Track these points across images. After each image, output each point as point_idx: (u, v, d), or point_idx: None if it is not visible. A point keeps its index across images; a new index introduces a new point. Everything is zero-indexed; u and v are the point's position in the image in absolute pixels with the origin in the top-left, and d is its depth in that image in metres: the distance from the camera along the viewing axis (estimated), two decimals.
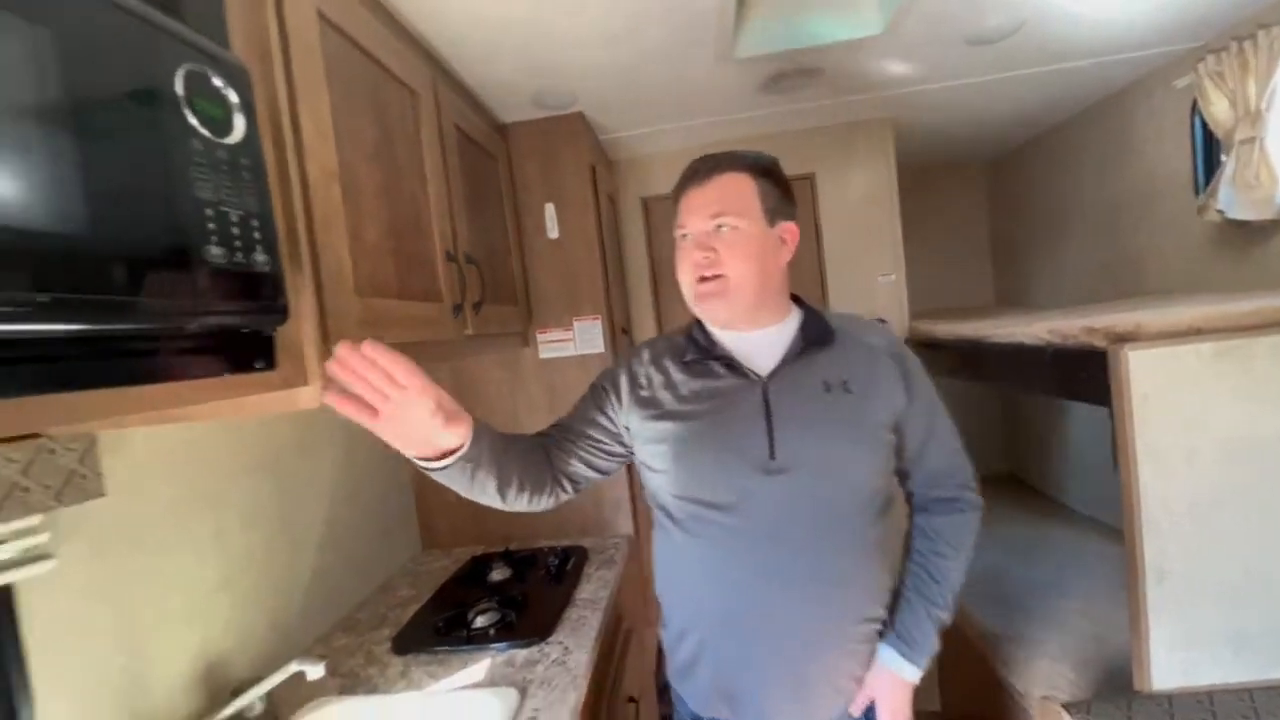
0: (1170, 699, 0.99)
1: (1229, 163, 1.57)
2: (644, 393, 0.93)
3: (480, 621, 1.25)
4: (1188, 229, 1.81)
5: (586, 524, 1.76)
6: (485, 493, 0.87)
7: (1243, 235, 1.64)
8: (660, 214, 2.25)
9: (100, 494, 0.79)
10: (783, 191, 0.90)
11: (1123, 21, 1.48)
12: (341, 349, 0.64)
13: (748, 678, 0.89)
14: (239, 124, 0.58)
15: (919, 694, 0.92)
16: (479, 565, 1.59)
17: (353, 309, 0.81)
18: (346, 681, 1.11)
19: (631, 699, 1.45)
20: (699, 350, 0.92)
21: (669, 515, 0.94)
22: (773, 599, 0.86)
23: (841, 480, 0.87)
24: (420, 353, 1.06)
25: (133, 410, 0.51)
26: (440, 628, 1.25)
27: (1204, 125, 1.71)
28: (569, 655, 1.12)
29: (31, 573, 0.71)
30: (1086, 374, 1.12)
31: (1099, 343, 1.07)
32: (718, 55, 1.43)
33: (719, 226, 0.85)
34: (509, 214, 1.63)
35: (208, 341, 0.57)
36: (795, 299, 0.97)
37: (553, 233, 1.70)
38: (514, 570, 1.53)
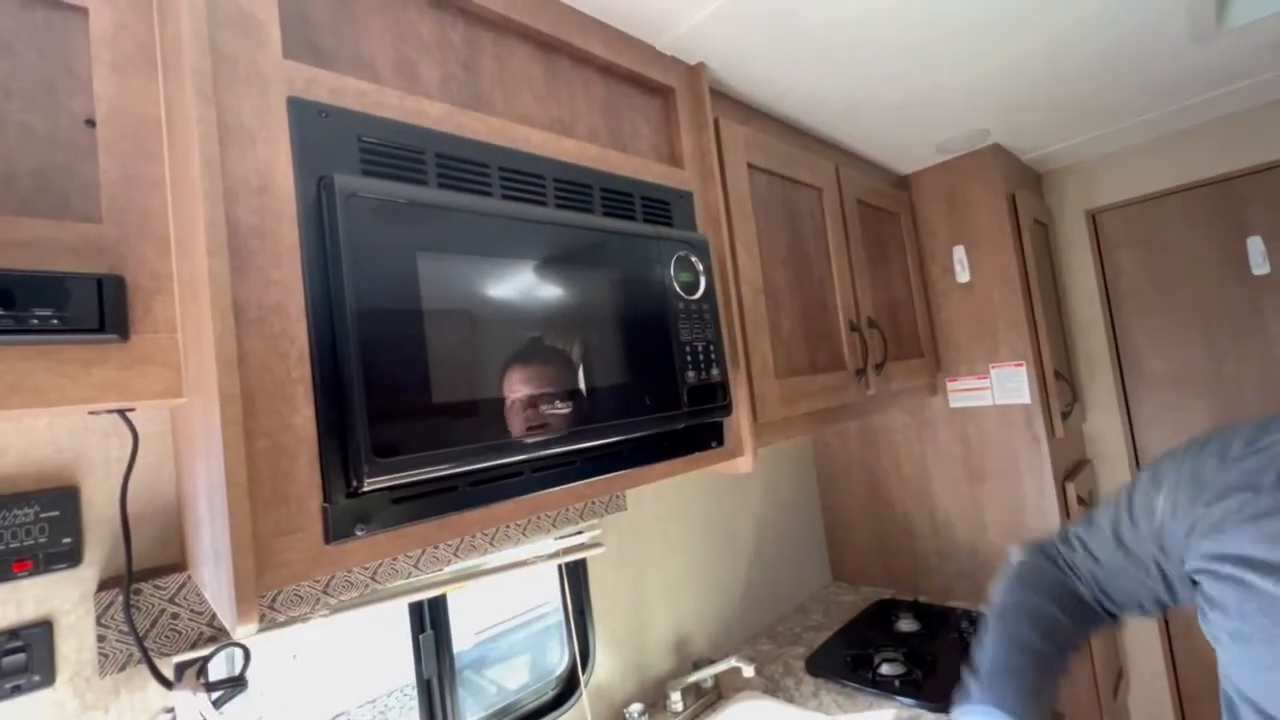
0: None
1: None
2: (1209, 512, 0.58)
3: (886, 670, 1.30)
4: None
5: None
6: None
7: None
8: (1114, 226, 1.83)
9: (623, 509, 1.23)
10: None
11: None
12: None
13: None
14: (703, 282, 0.86)
15: None
16: (885, 609, 1.63)
17: (773, 391, 1.03)
18: (769, 684, 1.34)
19: None
20: None
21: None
22: None
23: None
24: (829, 417, 1.22)
25: (647, 480, 0.82)
26: (848, 662, 1.36)
27: None
28: None
29: (594, 553, 1.17)
30: None
31: None
32: (1195, 36, 1.13)
33: None
34: (912, 265, 1.64)
35: (684, 433, 0.85)
36: None
37: (963, 276, 1.62)
38: (922, 624, 1.52)
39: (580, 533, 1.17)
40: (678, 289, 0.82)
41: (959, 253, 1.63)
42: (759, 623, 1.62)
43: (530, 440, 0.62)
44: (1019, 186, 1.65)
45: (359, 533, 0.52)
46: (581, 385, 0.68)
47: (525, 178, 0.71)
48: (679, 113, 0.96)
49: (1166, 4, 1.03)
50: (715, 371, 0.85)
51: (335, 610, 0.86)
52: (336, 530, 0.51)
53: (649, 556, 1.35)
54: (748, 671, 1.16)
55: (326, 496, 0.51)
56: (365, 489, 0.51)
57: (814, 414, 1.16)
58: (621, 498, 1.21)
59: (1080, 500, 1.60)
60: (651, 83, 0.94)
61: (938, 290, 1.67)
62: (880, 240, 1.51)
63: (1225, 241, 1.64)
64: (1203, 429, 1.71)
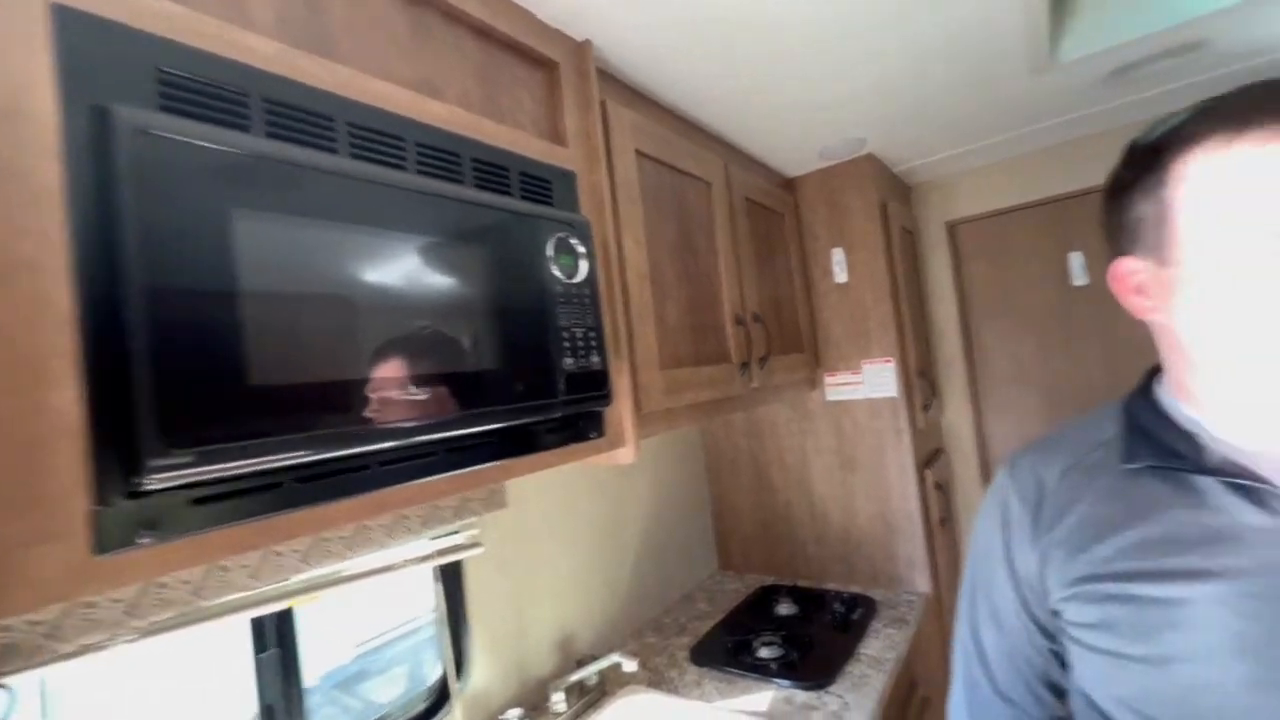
0: None
1: None
2: (1056, 534, 0.59)
3: (764, 653, 1.35)
4: None
5: (877, 574, 1.70)
6: None
7: None
8: (969, 238, 2.02)
9: (504, 506, 1.16)
10: None
11: None
12: None
13: None
14: (584, 266, 0.82)
15: None
16: (767, 595, 1.69)
17: (657, 382, 1.01)
18: (653, 676, 1.34)
19: None
20: (1160, 452, 0.55)
21: None
22: None
23: None
24: (714, 409, 1.23)
25: (521, 472, 0.77)
26: (730, 648, 1.39)
27: None
28: (847, 711, 1.13)
29: (473, 554, 1.10)
30: None
31: None
32: (1033, 69, 1.26)
33: None
34: (796, 264, 1.71)
35: (561, 423, 0.81)
36: None
37: (840, 277, 1.72)
38: (800, 608, 1.59)
39: (456, 533, 1.10)
40: (557, 272, 0.78)
41: (838, 255, 1.72)
42: (646, 615, 1.62)
43: (377, 429, 0.55)
44: (890, 196, 1.78)
45: (142, 541, 0.43)
46: (441, 370, 0.62)
47: (381, 138, 0.63)
48: (563, 89, 0.92)
49: (1007, 38, 1.14)
50: (596, 359, 0.82)
51: (147, 634, 0.73)
52: (109, 539, 0.42)
53: (533, 555, 1.29)
54: (629, 666, 1.15)
55: (98, 497, 0.41)
56: (151, 487, 0.42)
57: (699, 405, 1.16)
58: (501, 494, 1.15)
59: (937, 486, 1.76)
60: (534, 54, 0.89)
61: (818, 290, 1.76)
62: (767, 239, 1.56)
63: (1054, 255, 1.88)
64: (1036, 422, 1.94)
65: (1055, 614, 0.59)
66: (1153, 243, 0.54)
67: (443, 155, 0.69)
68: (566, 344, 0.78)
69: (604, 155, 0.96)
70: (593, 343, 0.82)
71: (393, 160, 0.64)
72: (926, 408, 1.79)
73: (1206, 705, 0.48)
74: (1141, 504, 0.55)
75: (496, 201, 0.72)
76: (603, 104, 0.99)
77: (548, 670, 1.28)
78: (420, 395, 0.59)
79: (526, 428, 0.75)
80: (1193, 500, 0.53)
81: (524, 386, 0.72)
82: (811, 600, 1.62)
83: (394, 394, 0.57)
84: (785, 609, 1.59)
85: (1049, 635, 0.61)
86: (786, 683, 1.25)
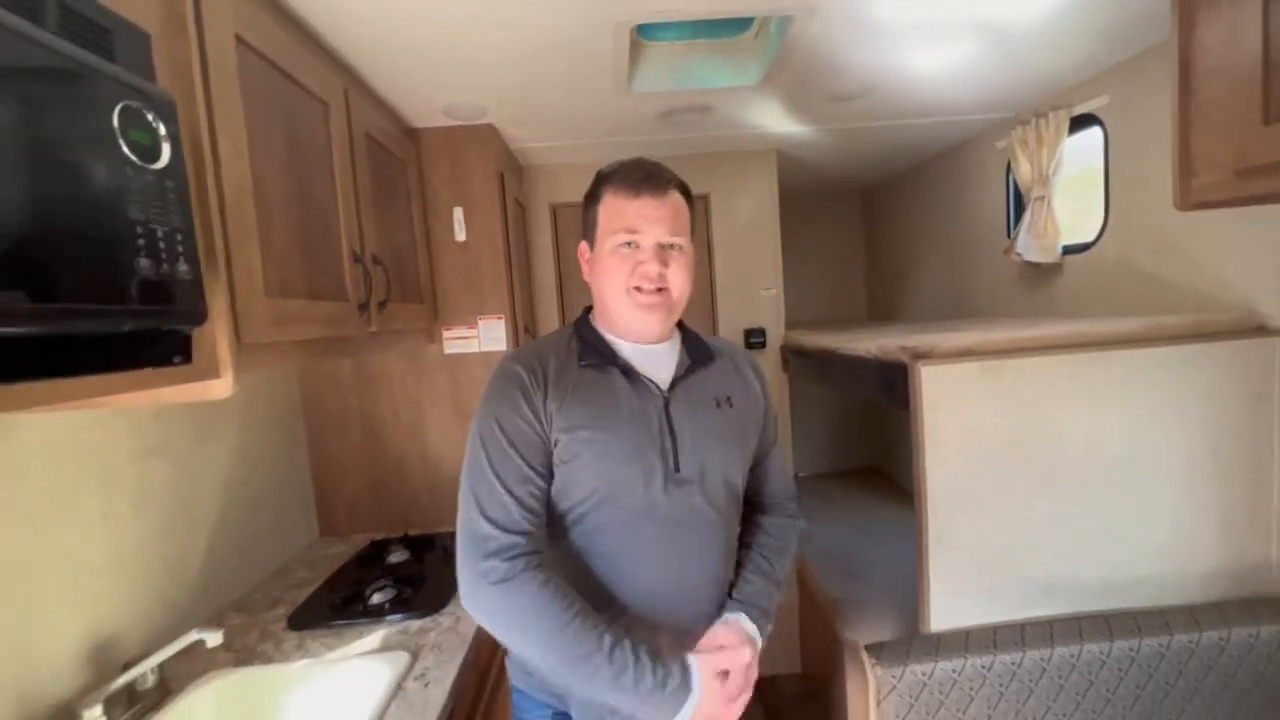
0: (939, 638, 1.27)
1: (1027, 215, 1.94)
2: (556, 402, 0.87)
3: (377, 598, 1.34)
4: (1001, 266, 2.20)
5: None
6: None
7: (1035, 274, 2.04)
8: (568, 220, 2.39)
9: None
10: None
11: (950, 92, 1.79)
12: None
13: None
14: (166, 151, 0.67)
15: (783, 659, 1.06)
16: (377, 549, 1.67)
17: (262, 310, 0.90)
18: (241, 655, 1.17)
19: None
20: (598, 355, 0.92)
21: (564, 520, 0.91)
22: (662, 598, 0.90)
23: (726, 488, 0.94)
24: (328, 348, 1.15)
25: (69, 399, 0.59)
26: (337, 605, 1.33)
27: (1014, 182, 2.09)
28: (460, 623, 1.25)
29: None
30: (899, 383, 1.40)
31: (906, 359, 1.34)
32: (615, 89, 1.59)
33: (672, 245, 0.89)
34: (417, 216, 1.71)
35: (135, 340, 0.66)
36: None
37: (460, 235, 1.80)
38: (412, 552, 1.63)
39: None
40: (126, 150, 0.62)
41: (459, 214, 1.80)
42: (227, 597, 1.39)
43: None
44: (506, 169, 1.95)
45: None
46: None
47: None
48: None
49: (601, 61, 1.42)
50: (185, 268, 0.68)
51: None
52: None
53: (37, 547, 0.95)
54: (213, 641, 0.99)
55: None
56: None
57: (312, 343, 1.07)
58: None
59: None
60: None
61: (439, 245, 1.80)
62: (389, 183, 1.51)
63: None
64: None
65: (556, 442, 0.88)
66: (591, 236, 0.94)
67: None
68: (143, 242, 0.63)
69: (193, 25, 0.79)
70: (178, 247, 0.68)
71: None
72: None
73: (613, 488, 0.87)
74: (588, 383, 0.90)
75: (19, 25, 0.53)
76: None
77: (73, 689, 0.98)
78: None
79: (78, 340, 0.58)
80: (610, 381, 0.91)
81: (76, 285, 0.55)
82: (423, 544, 1.68)
83: None
84: (397, 557, 1.60)
85: (547, 453, 0.89)
86: (399, 617, 1.28)
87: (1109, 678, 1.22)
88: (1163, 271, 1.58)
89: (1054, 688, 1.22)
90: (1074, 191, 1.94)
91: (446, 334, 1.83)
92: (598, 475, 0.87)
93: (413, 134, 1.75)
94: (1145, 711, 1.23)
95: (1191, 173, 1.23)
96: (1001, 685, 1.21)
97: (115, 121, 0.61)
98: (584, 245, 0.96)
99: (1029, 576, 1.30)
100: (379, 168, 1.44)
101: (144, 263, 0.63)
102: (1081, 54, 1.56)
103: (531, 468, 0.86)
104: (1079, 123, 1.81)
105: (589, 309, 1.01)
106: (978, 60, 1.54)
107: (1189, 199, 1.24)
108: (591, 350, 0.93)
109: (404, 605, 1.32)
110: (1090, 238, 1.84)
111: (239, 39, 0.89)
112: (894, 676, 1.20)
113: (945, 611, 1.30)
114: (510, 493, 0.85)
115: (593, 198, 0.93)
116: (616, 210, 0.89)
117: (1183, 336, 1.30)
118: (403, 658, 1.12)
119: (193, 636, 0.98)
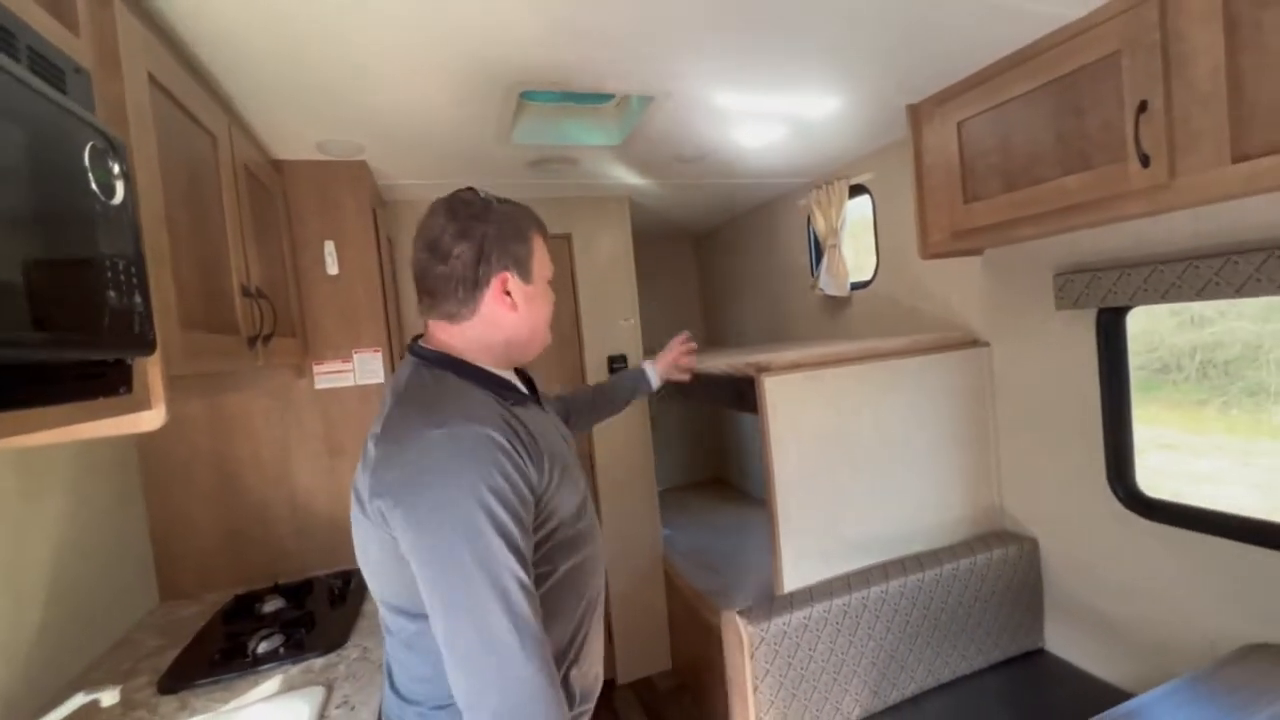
0: (791, 596, 1.58)
1: (825, 258, 2.47)
2: (534, 455, 0.84)
3: (264, 646, 1.28)
4: (808, 298, 2.73)
5: None
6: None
7: (833, 305, 2.57)
8: None
9: None
10: None
11: (766, 161, 2.24)
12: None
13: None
14: (120, 189, 0.70)
15: (655, 659, 1.19)
16: (244, 602, 1.55)
17: (179, 341, 0.89)
18: None
19: None
20: (509, 390, 0.92)
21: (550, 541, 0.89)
22: (599, 611, 1.00)
23: None
24: (220, 383, 1.13)
25: (29, 429, 0.59)
26: (216, 660, 1.24)
27: (813, 232, 2.63)
28: (370, 653, 1.25)
29: None
30: (748, 393, 1.71)
31: (752, 373, 1.66)
32: (497, 138, 1.75)
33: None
34: (287, 249, 1.67)
35: (86, 371, 0.66)
36: None
37: (332, 269, 1.78)
38: (289, 600, 1.54)
39: None
40: (95, 187, 0.64)
41: (329, 247, 1.78)
42: (62, 680, 1.21)
43: None
44: (379, 204, 1.97)
45: None
46: None
47: None
48: None
49: (488, 115, 1.56)
50: (139, 300, 0.70)
51: None
52: None
53: None
54: (109, 699, 0.91)
55: None
56: None
57: (210, 379, 1.05)
58: None
59: None
60: None
61: (308, 278, 1.76)
62: (264, 216, 1.48)
63: None
64: None
65: (537, 495, 0.83)
66: (524, 271, 0.93)
67: None
68: (109, 275, 0.65)
69: (119, 66, 0.80)
70: (134, 280, 0.70)
71: None
72: None
73: (580, 494, 0.94)
74: (527, 419, 0.88)
75: (11, 67, 0.56)
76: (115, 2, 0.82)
77: None
78: None
79: (30, 370, 0.59)
80: (532, 411, 0.92)
81: (64, 314, 0.58)
82: (300, 590, 1.60)
83: None
84: (272, 606, 1.51)
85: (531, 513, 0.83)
86: (299, 659, 1.24)
87: (906, 605, 1.62)
88: (916, 303, 2.14)
89: (873, 618, 1.58)
90: (860, 240, 2.51)
91: (318, 368, 1.77)
92: (574, 490, 0.92)
93: (278, 165, 1.71)
94: (931, 622, 1.66)
95: (926, 233, 1.74)
96: (838, 623, 1.54)
97: (86, 160, 0.64)
98: (509, 276, 0.89)
99: (848, 538, 1.68)
100: (255, 200, 1.42)
101: (111, 294, 0.65)
102: (855, 140, 2.08)
103: (528, 544, 0.80)
104: (858, 190, 2.37)
105: (429, 349, 0.92)
106: (786, 139, 1.97)
107: (926, 251, 1.76)
108: (504, 386, 0.90)
109: (298, 648, 1.28)
110: (869, 276, 2.40)
111: (151, 77, 0.90)
112: (762, 631, 1.46)
113: (794, 574, 1.61)
114: (526, 589, 0.76)
115: (521, 236, 0.92)
116: (544, 252, 0.96)
117: (930, 349, 1.81)
118: (318, 691, 1.11)
119: (78, 701, 0.89)
